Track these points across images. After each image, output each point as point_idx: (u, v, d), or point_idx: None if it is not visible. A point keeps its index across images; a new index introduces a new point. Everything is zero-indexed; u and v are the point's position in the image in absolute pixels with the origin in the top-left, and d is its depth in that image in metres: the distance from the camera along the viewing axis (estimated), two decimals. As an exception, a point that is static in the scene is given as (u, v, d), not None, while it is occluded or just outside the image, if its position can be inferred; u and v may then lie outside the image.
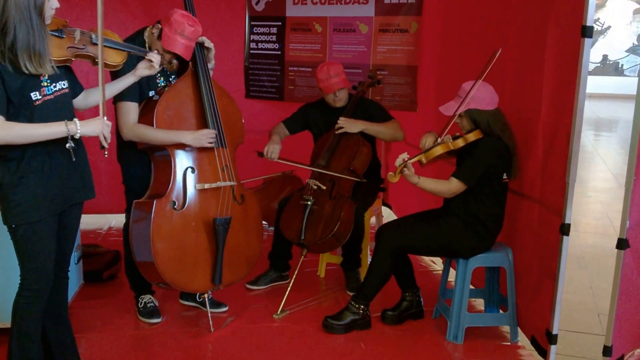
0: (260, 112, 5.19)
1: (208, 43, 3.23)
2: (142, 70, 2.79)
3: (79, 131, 2.32)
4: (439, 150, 3.10)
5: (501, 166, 3.12)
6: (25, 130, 2.24)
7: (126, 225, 3.29)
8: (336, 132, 3.80)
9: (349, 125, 3.78)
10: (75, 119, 2.33)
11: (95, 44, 2.49)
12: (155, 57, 2.78)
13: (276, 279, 3.91)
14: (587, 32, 2.60)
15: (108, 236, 4.83)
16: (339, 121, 3.79)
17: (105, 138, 2.38)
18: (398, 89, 4.68)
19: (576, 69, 2.66)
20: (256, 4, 5.12)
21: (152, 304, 3.43)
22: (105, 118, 2.42)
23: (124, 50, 2.69)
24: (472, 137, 3.13)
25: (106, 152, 2.42)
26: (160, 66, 2.85)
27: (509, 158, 3.13)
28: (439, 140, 3.15)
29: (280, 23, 5.08)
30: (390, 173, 3.02)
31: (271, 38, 5.16)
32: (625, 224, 2.68)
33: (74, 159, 2.39)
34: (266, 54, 5.19)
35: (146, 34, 3.12)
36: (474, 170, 3.09)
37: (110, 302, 3.63)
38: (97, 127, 2.37)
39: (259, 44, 5.21)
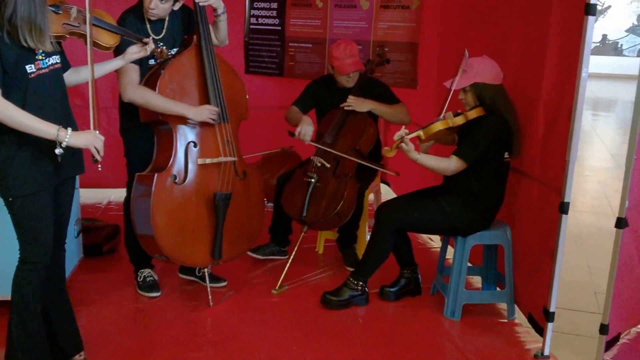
0: (260, 88, 5.17)
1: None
2: (131, 54, 2.81)
3: (66, 141, 2.28)
4: (438, 127, 3.09)
5: (503, 145, 3.12)
6: (20, 117, 2.21)
7: (127, 199, 3.29)
8: (345, 109, 3.78)
9: (358, 104, 3.75)
10: (69, 129, 2.29)
11: (92, 24, 2.49)
12: (149, 44, 2.81)
13: (275, 252, 3.93)
14: (590, 10, 2.58)
15: (107, 210, 4.84)
16: (348, 99, 3.76)
17: (97, 151, 2.36)
18: (398, 66, 4.65)
19: (579, 47, 2.64)
20: (257, -23, 5.08)
21: (151, 278, 3.44)
22: (97, 132, 2.39)
23: (117, 33, 2.69)
24: (473, 114, 3.12)
25: (99, 166, 2.38)
26: (151, 53, 2.88)
27: (511, 137, 3.12)
28: (441, 117, 3.14)
29: (280, -2, 5.04)
30: (386, 148, 3.02)
31: (271, 13, 5.11)
32: (624, 204, 2.69)
33: (59, 160, 2.34)
34: (266, 30, 5.16)
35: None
36: (474, 149, 3.08)
37: (109, 276, 3.64)
38: (88, 140, 2.34)
39: (259, 19, 5.18)
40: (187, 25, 3.30)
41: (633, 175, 2.68)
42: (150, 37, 2.92)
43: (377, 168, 3.77)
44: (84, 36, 2.51)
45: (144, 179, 3.10)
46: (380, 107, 3.78)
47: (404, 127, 3.04)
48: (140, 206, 3.09)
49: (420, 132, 3.08)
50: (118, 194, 4.88)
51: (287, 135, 3.85)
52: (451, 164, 3.11)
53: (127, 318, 3.21)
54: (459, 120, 3.11)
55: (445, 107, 3.13)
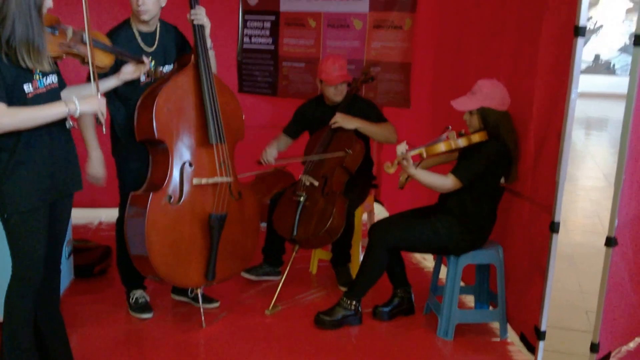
0: (253, 107, 5.18)
1: (198, 19, 3.18)
2: (125, 74, 2.86)
3: (78, 109, 2.39)
4: (441, 148, 3.11)
5: (500, 170, 3.15)
6: (29, 114, 2.28)
7: (119, 219, 3.29)
8: (332, 127, 3.80)
9: (344, 121, 3.79)
10: (74, 98, 2.39)
11: (85, 44, 2.54)
12: (145, 61, 2.86)
13: (268, 272, 3.92)
14: (580, 31, 2.62)
15: (98, 231, 4.82)
16: (335, 117, 3.79)
17: (102, 113, 2.49)
18: (391, 85, 4.69)
19: (568, 67, 2.67)
20: (250, -2, 5.12)
21: (143, 299, 3.43)
22: (99, 95, 2.52)
23: (112, 53, 2.74)
24: (476, 138, 3.14)
25: (104, 129, 2.56)
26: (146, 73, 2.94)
27: (509, 163, 3.15)
28: (443, 136, 3.15)
29: (274, 18, 5.07)
30: (387, 163, 3.03)
31: (265, 33, 5.15)
32: (614, 222, 2.71)
33: (69, 126, 2.44)
34: (260, 49, 5.19)
35: None
36: (472, 170, 3.11)
37: (101, 297, 3.63)
38: (94, 104, 2.47)
39: (253, 39, 5.21)
40: (181, 47, 3.34)
41: (622, 194, 2.70)
42: (149, 58, 2.93)
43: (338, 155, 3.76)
44: (79, 56, 2.56)
45: (139, 198, 3.09)
46: (366, 126, 3.81)
47: (404, 142, 3.05)
48: (134, 226, 3.09)
49: (423, 151, 3.09)
50: (109, 214, 4.88)
51: (281, 154, 3.91)
52: (447, 182, 3.12)
53: (119, 340, 3.19)
54: (462, 143, 3.14)
55: (445, 132, 3.16)
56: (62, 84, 2.55)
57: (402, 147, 3.02)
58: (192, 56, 3.20)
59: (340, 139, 3.81)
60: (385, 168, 3.03)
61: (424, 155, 3.10)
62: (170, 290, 3.63)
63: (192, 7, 3.18)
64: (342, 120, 3.78)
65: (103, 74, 2.82)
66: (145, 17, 3.08)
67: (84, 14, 2.50)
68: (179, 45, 3.32)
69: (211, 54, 3.27)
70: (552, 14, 2.89)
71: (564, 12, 2.75)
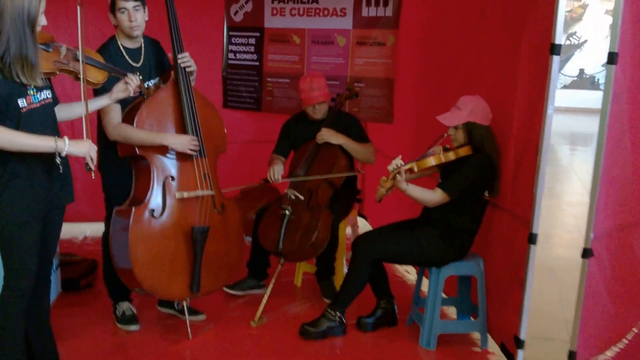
0: (238, 122, 5.25)
1: (188, 64, 3.27)
2: (117, 93, 2.88)
3: (66, 149, 2.40)
4: (431, 162, 3.19)
5: (485, 184, 3.23)
6: (16, 138, 2.31)
7: (105, 233, 3.33)
8: (318, 142, 3.87)
9: (330, 136, 3.85)
10: (65, 138, 2.41)
11: (79, 61, 2.59)
12: (133, 80, 2.87)
13: (253, 286, 3.96)
14: (555, 49, 2.71)
15: (83, 245, 4.83)
16: (321, 131, 3.86)
17: (92, 159, 2.47)
18: (375, 101, 4.78)
19: (544, 84, 2.76)
20: (235, 14, 5.20)
21: (130, 312, 3.46)
22: (90, 140, 2.51)
23: (105, 70, 2.78)
24: (463, 152, 3.23)
25: (93, 174, 2.51)
26: (137, 90, 2.94)
27: (494, 177, 3.23)
28: (431, 151, 3.24)
29: (258, 34, 5.15)
30: (383, 177, 3.08)
31: (249, 49, 5.23)
32: (589, 234, 2.79)
33: (61, 171, 2.47)
34: (244, 65, 5.26)
35: None
36: (459, 185, 3.18)
37: (88, 310, 3.65)
38: (84, 148, 2.46)
39: (237, 55, 5.28)
40: (162, 61, 3.40)
41: (598, 207, 2.79)
42: (137, 74, 2.98)
43: (348, 174, 3.88)
44: (73, 72, 2.61)
45: (122, 213, 3.14)
46: (351, 144, 3.89)
47: (399, 157, 3.12)
48: (118, 240, 3.13)
49: (414, 165, 3.17)
50: (94, 229, 4.90)
51: (265, 169, 3.96)
52: (435, 196, 3.20)
53: (106, 352, 3.21)
54: (451, 157, 3.22)
55: (437, 142, 3.25)
56: (55, 100, 2.60)
57: (397, 161, 3.09)
58: (172, 73, 3.26)
59: (325, 154, 3.87)
60: (381, 182, 3.09)
61: (415, 169, 3.18)
62: (156, 302, 3.66)
63: (179, 52, 3.25)
64: (328, 136, 3.85)
65: (97, 91, 2.88)
66: (137, 32, 3.16)
67: (78, 32, 2.55)
68: (160, 60, 3.39)
69: (192, 79, 3.35)
70: (529, 33, 2.98)
71: (541, 31, 2.84)
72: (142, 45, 3.28)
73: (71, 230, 4.98)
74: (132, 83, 2.86)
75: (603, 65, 15.31)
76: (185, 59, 3.25)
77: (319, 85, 3.89)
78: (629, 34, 2.71)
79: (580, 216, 6.36)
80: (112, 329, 3.43)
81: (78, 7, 2.54)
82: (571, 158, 10.20)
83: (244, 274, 3.97)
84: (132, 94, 2.92)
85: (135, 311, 3.49)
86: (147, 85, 3.18)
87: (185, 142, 3.18)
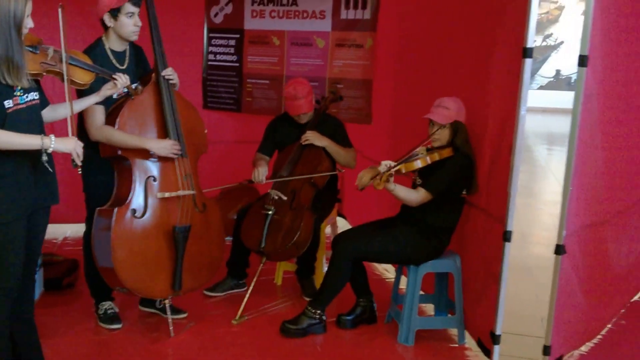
0: (218, 123, 5.27)
1: (172, 78, 3.32)
2: (106, 90, 2.93)
3: (52, 146, 2.42)
4: (418, 164, 3.25)
5: (465, 182, 3.31)
6: (2, 136, 2.33)
7: (86, 233, 3.35)
8: (302, 143, 3.92)
9: (315, 138, 3.90)
10: (52, 135, 2.44)
11: (69, 63, 2.63)
12: (121, 79, 2.91)
13: (233, 286, 4.00)
14: (527, 53, 2.80)
15: (64, 245, 4.82)
16: (306, 133, 3.91)
17: (78, 155, 2.50)
18: (353, 102, 4.84)
19: (518, 86, 2.84)
20: (215, 16, 5.23)
21: (112, 311, 3.48)
22: (76, 138, 2.54)
23: (92, 71, 2.81)
24: (446, 153, 3.31)
25: (80, 170, 2.55)
26: (124, 89, 2.99)
27: (473, 176, 3.32)
28: (415, 152, 3.31)
29: (238, 35, 5.19)
30: (376, 180, 3.14)
31: (229, 50, 5.26)
32: (562, 231, 2.88)
33: (50, 170, 2.50)
34: (224, 66, 5.29)
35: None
36: (441, 184, 3.27)
37: (70, 309, 3.67)
38: (70, 145, 2.49)
39: (217, 56, 5.31)
40: (143, 66, 3.45)
41: (570, 205, 2.88)
42: (124, 74, 3.01)
43: (330, 174, 3.93)
44: (60, 74, 2.64)
45: (104, 213, 3.17)
46: (334, 147, 3.94)
47: (390, 161, 3.17)
48: (100, 240, 3.16)
49: (402, 167, 3.23)
50: (74, 230, 4.92)
51: (245, 169, 4.01)
52: (419, 196, 3.28)
53: (89, 350, 3.24)
54: (435, 158, 3.30)
55: (423, 142, 3.33)
56: (44, 102, 2.62)
57: (388, 163, 3.15)
58: (153, 75, 3.30)
59: (309, 155, 3.93)
60: (375, 185, 3.14)
61: (403, 170, 3.25)
62: (137, 301, 3.69)
63: (162, 69, 3.30)
64: (313, 138, 3.90)
65: (84, 91, 2.91)
66: (136, 36, 3.24)
67: (60, 34, 2.58)
68: (142, 64, 3.44)
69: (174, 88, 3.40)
70: (503, 36, 3.07)
71: (514, 35, 2.93)
72: (127, 48, 3.32)
73: (52, 231, 4.91)
74: (120, 80, 2.90)
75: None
76: (169, 73, 3.30)
77: (303, 93, 3.92)
78: (599, 37, 2.80)
79: (557, 215, 6.46)
80: (94, 327, 3.45)
81: (59, 10, 2.57)
82: (548, 158, 10.33)
83: (224, 273, 4.01)
84: (120, 91, 2.95)
85: (117, 310, 3.52)
86: (135, 86, 3.21)
87: (167, 147, 3.22)
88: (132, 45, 3.37)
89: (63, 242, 4.91)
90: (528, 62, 2.81)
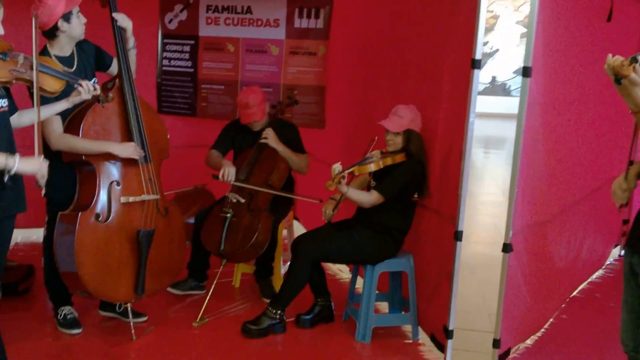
0: (173, 127, 5.23)
1: (122, 22, 3.34)
2: (74, 97, 2.94)
3: (15, 167, 2.43)
4: (371, 167, 3.39)
5: (416, 187, 3.47)
6: None
7: (46, 238, 3.36)
8: (259, 144, 3.98)
9: (272, 139, 3.97)
10: (17, 155, 2.43)
11: (39, 71, 2.62)
12: (84, 86, 2.91)
13: (194, 287, 4.06)
14: (476, 64, 2.96)
15: (16, 251, 4.75)
16: (267, 131, 3.97)
17: (43, 176, 2.51)
18: (307, 107, 4.96)
19: (467, 94, 3.01)
20: (169, 22, 5.27)
21: (71, 315, 3.49)
22: (42, 157, 2.54)
23: (62, 79, 2.82)
24: (399, 158, 3.46)
25: (43, 191, 2.54)
26: (94, 94, 2.97)
27: (424, 180, 3.48)
28: (369, 155, 3.45)
29: (193, 42, 5.24)
30: (328, 182, 3.25)
31: (184, 56, 5.30)
32: (509, 230, 3.06)
33: (11, 184, 2.47)
34: (179, 71, 5.33)
35: None
36: (393, 187, 3.42)
37: (28, 315, 3.66)
38: (35, 167, 2.50)
39: (172, 62, 5.35)
40: (98, 57, 3.47)
41: (516, 205, 3.07)
42: (93, 80, 3.03)
43: (301, 198, 4.05)
44: (29, 81, 2.64)
45: (67, 217, 3.19)
46: (287, 152, 4.02)
47: (339, 163, 3.29)
48: (63, 244, 3.18)
49: (356, 169, 3.36)
50: (25, 235, 4.90)
51: (200, 173, 4.05)
52: (371, 198, 3.43)
53: (51, 355, 3.25)
54: (387, 162, 3.44)
55: (372, 146, 3.46)
56: (12, 108, 2.64)
57: (338, 167, 3.27)
58: (117, 79, 3.33)
59: (266, 158, 4.01)
60: (327, 186, 3.26)
61: (356, 173, 3.38)
62: (97, 306, 3.70)
63: (113, 11, 3.34)
64: (271, 138, 3.98)
65: (49, 98, 2.91)
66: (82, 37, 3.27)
67: (33, 41, 2.59)
68: (96, 57, 3.45)
69: (132, 53, 3.44)
70: (452, 48, 3.23)
71: (463, 46, 3.08)
72: (74, 51, 3.32)
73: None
74: (84, 87, 2.91)
75: (514, 72, 16.05)
76: (121, 18, 3.33)
77: (254, 102, 3.99)
78: (540, 49, 3.00)
79: (496, 215, 6.73)
80: (53, 332, 3.46)
81: (33, 19, 2.58)
82: (485, 161, 10.64)
83: (185, 275, 4.06)
84: (84, 98, 2.96)
85: (76, 315, 3.53)
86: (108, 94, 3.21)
87: (129, 151, 3.26)
88: (81, 46, 3.36)
89: (15, 248, 4.84)
90: (476, 72, 2.97)
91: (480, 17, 2.89)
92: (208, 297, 3.72)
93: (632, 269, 2.31)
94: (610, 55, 1.99)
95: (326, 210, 3.49)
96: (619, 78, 1.95)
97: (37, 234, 4.47)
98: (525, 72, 2.93)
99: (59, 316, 3.49)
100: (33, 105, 2.63)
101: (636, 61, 1.92)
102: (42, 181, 2.51)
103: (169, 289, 3.96)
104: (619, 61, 1.94)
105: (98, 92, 2.98)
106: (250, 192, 3.92)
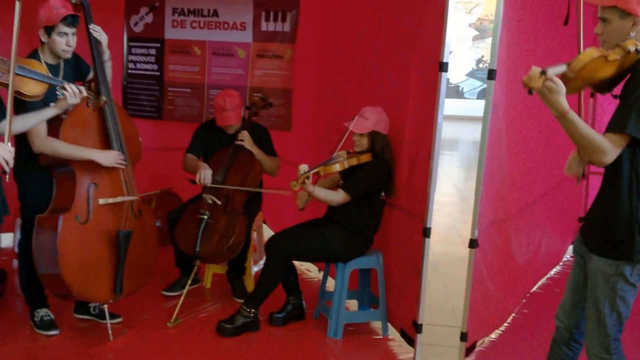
0: (139, 130, 5.29)
1: (99, 36, 3.41)
2: (62, 102, 2.95)
3: None
4: (336, 167, 3.50)
5: (382, 186, 3.59)
6: None
7: (22, 241, 3.36)
8: (236, 145, 4.03)
9: (247, 142, 4.04)
10: None
11: (16, 74, 2.61)
12: (69, 89, 2.93)
13: (191, 282, 4.04)
14: (443, 67, 3.09)
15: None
16: (242, 133, 4.04)
17: (7, 162, 2.52)
18: (274, 110, 5.01)
19: (434, 97, 3.13)
20: (135, 25, 5.28)
21: (48, 317, 3.50)
22: (9, 144, 2.55)
23: (44, 82, 2.81)
24: (364, 158, 3.58)
25: (7, 177, 2.55)
26: (82, 97, 3.00)
27: (390, 180, 3.60)
28: (335, 155, 3.55)
29: (159, 45, 5.27)
30: (292, 182, 3.34)
31: (150, 59, 5.33)
32: (475, 227, 3.20)
33: None
34: (145, 74, 5.35)
35: None
36: (359, 186, 3.54)
37: (2, 318, 3.65)
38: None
39: (138, 65, 5.37)
40: (76, 72, 3.51)
41: (481, 204, 3.21)
42: (85, 85, 3.06)
43: (276, 192, 4.08)
44: (7, 85, 2.62)
45: (47, 220, 3.21)
46: (262, 156, 4.10)
47: (306, 165, 3.38)
48: (44, 247, 3.19)
49: (321, 169, 3.46)
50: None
51: (166, 176, 4.08)
52: (338, 197, 3.53)
53: (30, 357, 3.27)
54: (353, 162, 3.55)
55: (339, 147, 3.55)
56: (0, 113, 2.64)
57: (304, 167, 3.37)
58: (93, 84, 3.37)
59: (242, 160, 4.08)
60: (290, 186, 3.35)
61: (322, 173, 3.48)
62: (71, 308, 3.71)
63: (89, 23, 3.39)
64: (247, 141, 4.05)
65: (34, 103, 2.93)
66: (68, 55, 3.30)
67: (12, 45, 2.58)
68: (75, 66, 3.50)
69: (108, 65, 3.50)
70: (419, 52, 3.35)
71: (429, 49, 3.21)
72: (61, 62, 3.37)
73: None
74: (68, 91, 2.92)
75: (467, 75, 16.37)
76: (98, 31, 3.40)
77: (232, 106, 4.06)
78: (504, 54, 3.15)
79: (454, 214, 6.90)
80: (30, 334, 3.46)
81: (15, 23, 2.58)
82: (440, 162, 10.83)
83: (175, 276, 4.15)
84: (72, 103, 2.97)
85: (53, 317, 3.54)
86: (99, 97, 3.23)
87: (112, 158, 3.31)
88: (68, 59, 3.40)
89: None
90: (444, 75, 3.09)
91: (446, 20, 3.01)
92: (183, 297, 3.78)
93: (582, 256, 2.48)
94: (533, 67, 2.19)
95: (301, 195, 3.55)
96: (530, 90, 2.17)
97: (6, 239, 4.42)
98: (490, 74, 3.06)
99: (35, 318, 3.49)
100: (7, 107, 2.60)
101: (545, 74, 2.13)
102: (7, 167, 2.51)
103: (165, 292, 4.03)
104: (528, 75, 2.16)
105: (85, 93, 2.99)
106: (226, 194, 3.97)
